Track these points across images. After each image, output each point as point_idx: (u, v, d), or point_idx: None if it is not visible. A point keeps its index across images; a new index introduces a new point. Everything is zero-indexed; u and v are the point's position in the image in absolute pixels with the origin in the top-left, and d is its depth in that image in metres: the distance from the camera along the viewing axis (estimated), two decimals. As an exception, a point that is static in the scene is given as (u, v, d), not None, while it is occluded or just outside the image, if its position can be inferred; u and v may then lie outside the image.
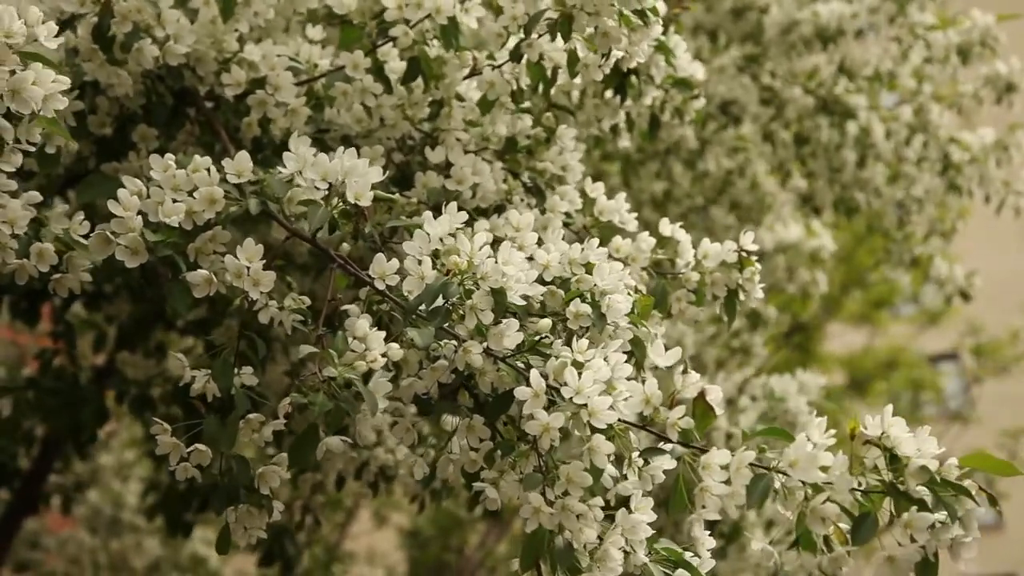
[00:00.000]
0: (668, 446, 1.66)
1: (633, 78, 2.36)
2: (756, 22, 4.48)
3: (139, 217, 1.78)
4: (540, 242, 1.94)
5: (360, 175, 1.84)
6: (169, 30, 2.15)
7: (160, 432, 1.79)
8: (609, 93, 2.43)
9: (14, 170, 1.72)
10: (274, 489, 1.81)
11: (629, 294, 1.84)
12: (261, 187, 1.86)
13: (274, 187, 1.86)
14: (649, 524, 1.66)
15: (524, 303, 1.75)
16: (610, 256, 1.93)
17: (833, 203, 4.72)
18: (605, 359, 1.64)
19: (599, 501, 1.65)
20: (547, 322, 1.77)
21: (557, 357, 1.68)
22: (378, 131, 2.33)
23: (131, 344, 3.49)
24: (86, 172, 2.46)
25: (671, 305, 2.19)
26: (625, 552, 1.65)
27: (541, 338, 1.76)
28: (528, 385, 1.63)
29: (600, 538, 1.64)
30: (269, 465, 1.81)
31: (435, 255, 1.77)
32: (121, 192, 1.79)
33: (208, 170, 1.82)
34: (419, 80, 2.21)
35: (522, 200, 2.29)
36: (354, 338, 1.74)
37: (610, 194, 2.28)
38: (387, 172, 2.01)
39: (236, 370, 1.86)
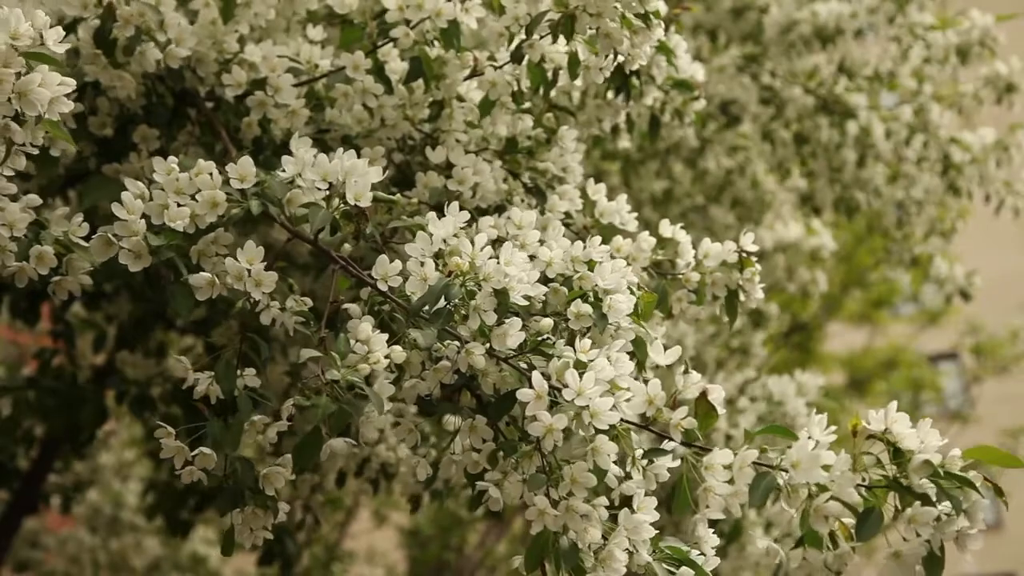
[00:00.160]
0: (670, 446, 1.66)
1: (634, 79, 2.36)
2: (756, 22, 4.48)
3: (142, 220, 1.78)
4: (542, 241, 1.94)
5: (360, 175, 1.84)
6: (171, 34, 2.15)
7: (164, 436, 1.79)
8: (611, 94, 2.43)
9: (14, 172, 1.72)
10: (278, 489, 1.81)
11: (632, 292, 1.85)
12: (262, 189, 1.87)
13: (275, 189, 1.86)
14: (652, 524, 1.67)
15: (527, 303, 1.75)
16: (611, 256, 1.93)
17: (833, 203, 4.72)
18: (608, 358, 1.64)
19: (603, 501, 1.66)
20: (549, 322, 1.77)
21: (559, 357, 1.68)
22: (379, 131, 2.33)
23: (131, 344, 3.49)
24: (86, 172, 2.47)
25: (672, 305, 2.19)
26: (629, 552, 1.65)
27: (544, 339, 1.76)
28: (530, 386, 1.63)
29: (605, 538, 1.65)
30: (271, 465, 1.82)
31: (437, 256, 1.78)
32: (125, 195, 1.79)
33: (211, 174, 1.82)
34: (420, 80, 2.21)
35: (522, 201, 2.29)
36: (357, 340, 1.74)
37: (610, 193, 2.28)
38: (387, 172, 2.01)
39: (239, 371, 1.87)
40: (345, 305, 1.89)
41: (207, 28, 2.24)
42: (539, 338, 1.76)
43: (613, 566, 1.63)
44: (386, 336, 1.75)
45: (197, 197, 1.81)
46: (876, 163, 4.49)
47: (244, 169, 1.87)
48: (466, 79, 2.29)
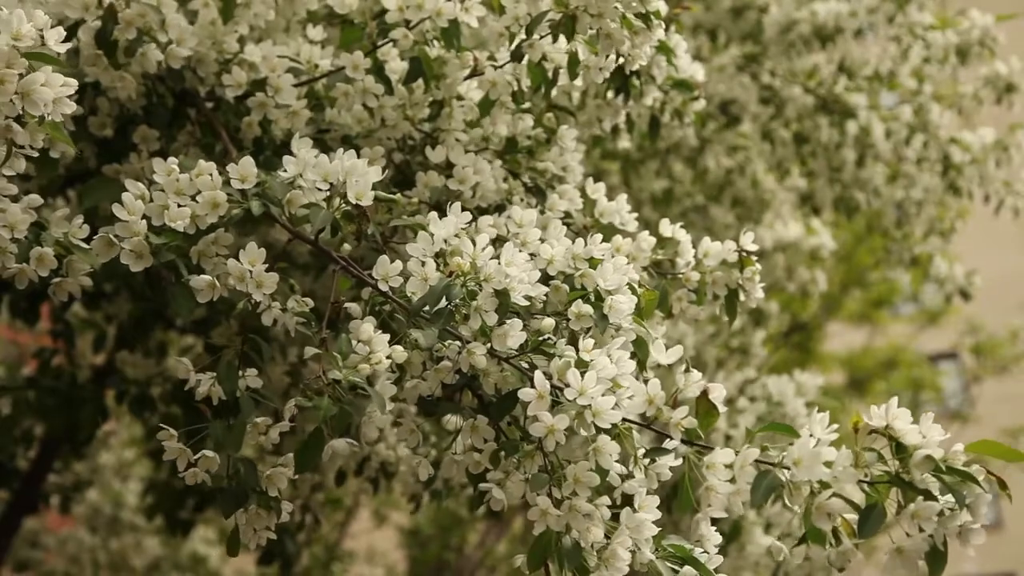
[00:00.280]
0: (672, 445, 1.66)
1: (635, 79, 2.36)
2: (755, 21, 4.48)
3: (143, 221, 1.78)
4: (543, 239, 1.94)
5: (360, 175, 1.84)
6: (172, 34, 2.15)
7: (167, 438, 1.79)
8: (611, 94, 2.43)
9: (15, 173, 1.72)
10: (281, 490, 1.81)
11: (633, 290, 1.85)
12: (263, 189, 1.87)
13: (276, 189, 1.86)
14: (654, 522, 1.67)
15: (527, 303, 1.76)
16: (612, 255, 1.93)
17: (833, 202, 4.72)
18: (609, 357, 1.64)
19: (606, 500, 1.66)
20: (550, 322, 1.77)
21: (561, 356, 1.68)
22: (379, 131, 2.33)
23: (131, 343, 3.49)
24: (86, 172, 2.47)
25: (672, 305, 2.19)
26: (632, 550, 1.65)
27: (545, 338, 1.76)
28: (532, 386, 1.63)
29: (607, 537, 1.65)
30: (273, 466, 1.82)
31: (438, 256, 1.78)
32: (125, 196, 1.79)
33: (211, 174, 1.82)
34: (420, 80, 2.22)
35: (522, 200, 2.29)
36: (358, 341, 1.75)
37: (610, 193, 2.28)
38: (387, 172, 2.01)
39: (241, 372, 1.87)
40: (346, 305, 1.89)
41: (207, 28, 2.24)
42: (540, 338, 1.76)
43: (616, 565, 1.64)
44: (388, 337, 1.76)
45: (198, 198, 1.81)
46: (876, 163, 4.49)
47: (245, 169, 1.87)
48: (466, 79, 2.29)
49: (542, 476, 1.66)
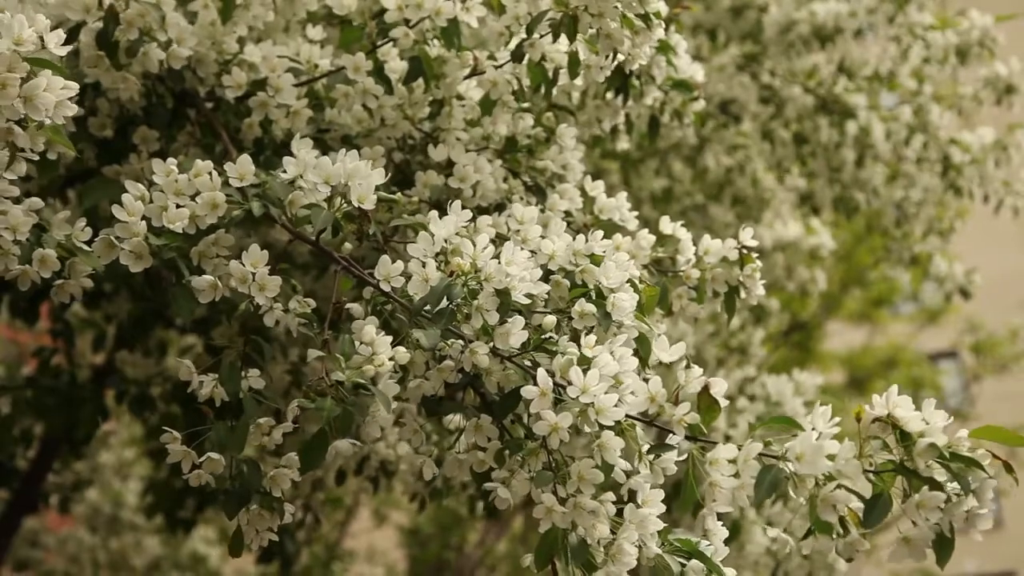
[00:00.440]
0: (675, 440, 1.66)
1: (634, 79, 2.36)
2: (755, 21, 4.48)
3: (143, 222, 1.79)
4: (543, 236, 1.94)
5: (363, 178, 1.84)
6: (172, 34, 2.15)
7: (170, 440, 1.79)
8: (610, 94, 2.44)
9: (18, 176, 1.73)
10: (284, 490, 1.81)
11: (634, 286, 1.85)
12: (263, 190, 1.87)
13: (276, 190, 1.86)
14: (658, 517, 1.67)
15: (529, 301, 1.76)
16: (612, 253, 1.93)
17: (832, 202, 4.72)
18: (612, 353, 1.64)
19: (611, 496, 1.66)
20: (552, 319, 1.77)
21: (563, 354, 1.68)
22: (379, 131, 2.33)
23: (130, 343, 3.49)
24: (86, 172, 2.47)
25: (672, 302, 2.19)
26: (638, 546, 1.66)
27: (547, 336, 1.76)
28: (535, 384, 1.63)
29: (613, 532, 1.65)
30: (276, 466, 1.82)
31: (439, 255, 1.78)
32: (125, 197, 1.79)
33: (210, 174, 1.82)
34: (419, 80, 2.22)
35: (522, 199, 2.29)
36: (361, 342, 1.75)
37: (610, 192, 2.28)
38: (388, 172, 2.01)
39: (243, 373, 1.87)
40: (348, 305, 1.89)
41: (206, 29, 2.24)
42: (542, 336, 1.76)
43: (623, 560, 1.64)
44: (390, 338, 1.76)
45: (197, 199, 1.81)
46: (875, 163, 4.49)
47: (243, 168, 1.87)
48: (466, 78, 2.29)
49: (546, 474, 1.67)
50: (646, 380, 1.66)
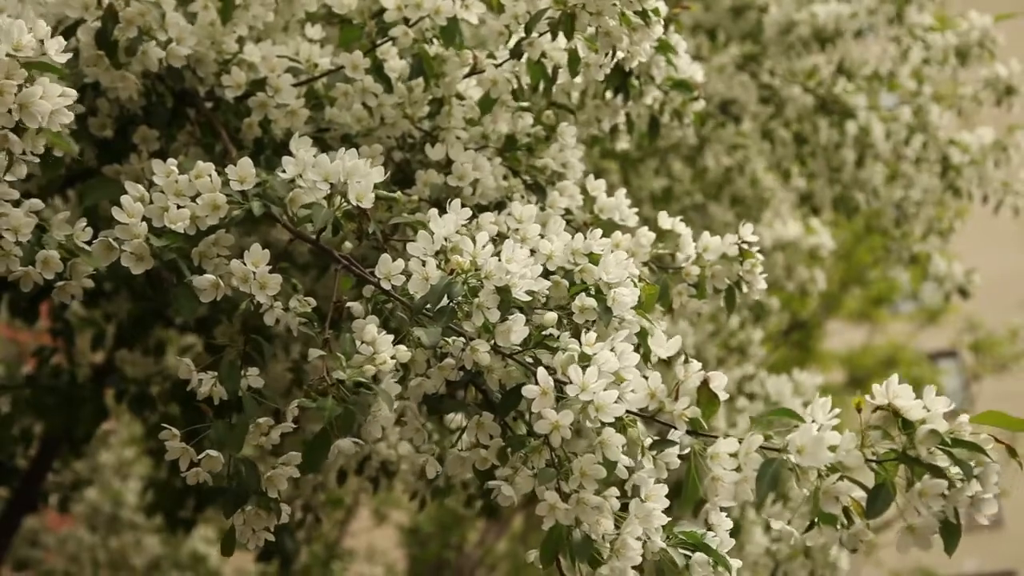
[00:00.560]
0: (677, 436, 1.66)
1: (634, 79, 2.36)
2: (755, 21, 4.48)
3: (143, 223, 1.79)
4: (542, 235, 1.94)
5: (362, 176, 1.84)
6: (172, 33, 2.15)
7: (169, 438, 1.79)
8: (609, 94, 2.44)
9: (18, 179, 1.73)
10: (281, 491, 1.81)
11: (635, 284, 1.85)
12: (263, 189, 1.87)
13: (277, 189, 1.86)
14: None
15: (529, 298, 1.76)
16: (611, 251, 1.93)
17: (832, 202, 4.72)
18: (612, 349, 1.64)
19: (615, 492, 1.67)
20: (552, 315, 1.77)
21: (564, 350, 1.68)
22: (378, 130, 2.33)
23: (130, 342, 3.49)
24: (86, 172, 2.47)
25: (672, 299, 2.19)
26: (643, 540, 1.66)
27: (548, 333, 1.76)
28: (536, 383, 1.63)
29: (618, 527, 1.65)
30: (274, 465, 1.82)
31: (439, 254, 1.78)
32: (125, 198, 1.79)
33: (211, 175, 1.82)
34: (419, 79, 2.22)
35: (522, 197, 2.30)
36: (362, 341, 1.75)
37: (610, 191, 2.28)
38: (387, 171, 2.01)
39: (243, 371, 1.87)
40: (349, 304, 1.89)
41: (206, 29, 2.24)
42: (543, 332, 1.76)
43: (627, 555, 1.64)
44: (391, 337, 1.76)
45: (197, 199, 1.81)
46: (875, 163, 4.49)
47: (244, 170, 1.87)
48: (466, 77, 2.30)
49: (549, 471, 1.67)
50: (645, 377, 1.66)
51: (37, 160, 1.72)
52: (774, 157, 4.71)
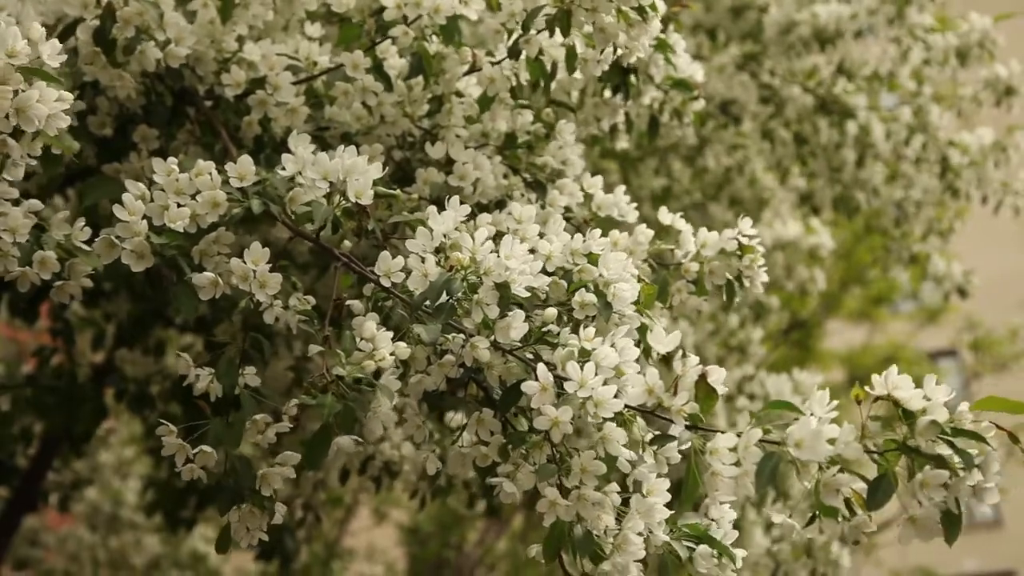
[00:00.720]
0: (676, 431, 1.65)
1: (633, 77, 2.36)
2: (755, 21, 4.48)
3: (144, 221, 1.79)
4: (542, 235, 1.94)
5: (360, 173, 1.84)
6: (170, 33, 2.15)
7: (166, 433, 1.79)
8: (608, 92, 2.44)
9: (16, 179, 1.73)
10: (276, 489, 1.81)
11: (639, 280, 1.84)
12: (263, 187, 1.87)
13: (276, 187, 1.87)
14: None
15: (528, 294, 1.75)
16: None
17: (832, 202, 4.72)
18: (612, 345, 1.64)
19: (615, 487, 1.66)
20: (552, 311, 1.77)
21: (564, 346, 1.68)
22: (378, 128, 2.33)
23: (130, 342, 3.50)
24: (86, 170, 2.47)
25: (672, 296, 2.18)
26: (646, 534, 1.66)
27: (547, 330, 1.76)
28: (535, 379, 1.63)
29: (619, 523, 1.65)
30: (271, 464, 1.82)
31: (438, 251, 1.78)
32: (125, 197, 1.80)
33: (210, 174, 1.82)
34: (419, 77, 2.22)
35: (522, 195, 2.30)
36: (362, 338, 1.75)
37: (609, 190, 2.28)
38: (387, 169, 2.01)
39: (240, 369, 1.87)
40: (349, 302, 1.89)
41: (205, 27, 2.24)
42: (543, 328, 1.76)
43: (629, 550, 1.64)
44: (391, 333, 1.76)
45: (197, 197, 1.81)
46: (875, 163, 4.49)
47: (243, 168, 1.87)
48: (465, 75, 2.30)
49: (549, 467, 1.67)
50: (642, 374, 1.66)
51: (35, 162, 1.72)
52: (774, 157, 4.71)
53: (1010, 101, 4.32)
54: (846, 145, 4.45)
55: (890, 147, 4.43)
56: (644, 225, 2.19)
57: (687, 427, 1.64)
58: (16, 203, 1.75)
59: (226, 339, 2.60)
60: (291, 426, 1.82)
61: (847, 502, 1.55)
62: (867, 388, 1.51)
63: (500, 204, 2.26)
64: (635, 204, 2.27)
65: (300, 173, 1.87)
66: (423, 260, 1.76)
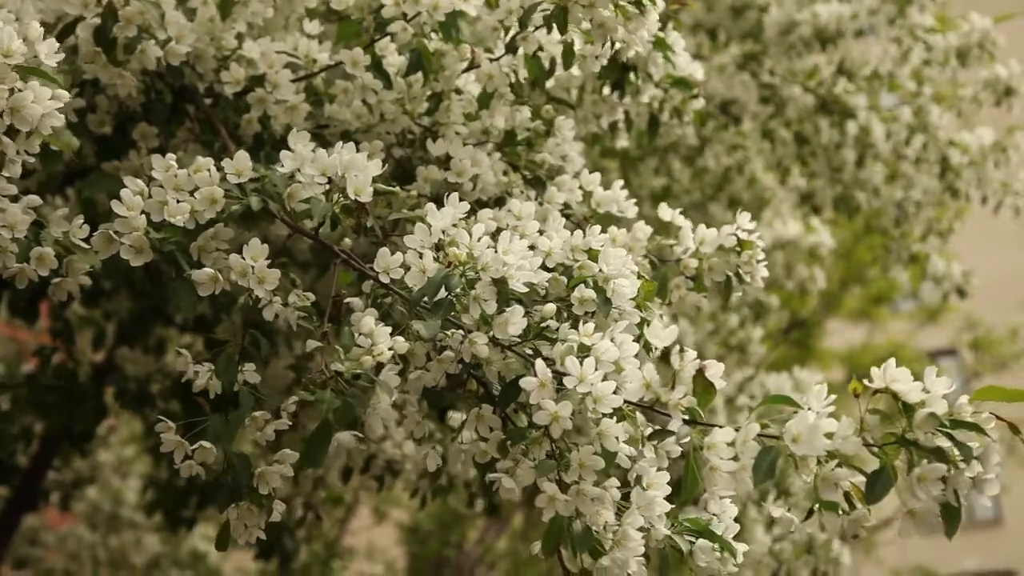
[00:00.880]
0: (675, 425, 1.65)
1: (631, 75, 2.36)
2: (756, 20, 4.48)
3: (142, 217, 1.79)
4: (541, 231, 1.94)
5: (360, 170, 1.84)
6: (171, 31, 2.15)
7: (164, 430, 1.79)
8: (607, 90, 2.44)
9: (15, 176, 1.73)
10: (274, 487, 1.81)
11: (638, 276, 1.84)
12: (262, 184, 1.87)
13: (275, 183, 1.87)
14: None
15: (527, 290, 1.75)
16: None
17: (833, 202, 4.73)
18: (612, 340, 1.64)
19: (615, 483, 1.66)
20: (551, 307, 1.77)
21: (563, 341, 1.68)
22: (378, 126, 2.33)
23: (130, 340, 3.50)
24: (86, 169, 2.47)
25: (671, 292, 2.18)
26: (646, 529, 1.65)
27: (546, 325, 1.76)
28: (534, 375, 1.63)
29: (620, 517, 1.65)
30: (270, 462, 1.82)
31: (437, 247, 1.78)
32: (124, 192, 1.80)
33: (209, 170, 1.82)
34: (418, 74, 2.22)
35: (522, 192, 2.29)
36: (360, 334, 1.75)
37: (608, 188, 2.28)
38: (387, 167, 2.01)
39: (239, 367, 1.87)
40: (348, 300, 1.89)
41: (205, 25, 2.24)
42: (542, 324, 1.75)
43: (628, 545, 1.64)
44: (389, 329, 1.76)
45: (196, 194, 1.81)
46: (875, 163, 4.49)
47: (240, 164, 1.87)
48: (464, 71, 2.30)
49: (549, 462, 1.66)
50: (639, 369, 1.66)
51: (33, 159, 1.73)
52: (774, 157, 4.71)
53: (1010, 101, 4.32)
54: (846, 145, 4.45)
55: (890, 147, 4.43)
56: (643, 222, 2.19)
57: (685, 422, 1.64)
58: (15, 200, 1.76)
59: (227, 338, 2.61)
60: (290, 423, 1.82)
61: (846, 496, 1.54)
62: (865, 381, 1.51)
63: (500, 201, 2.26)
64: (635, 203, 2.27)
65: (299, 170, 1.87)
66: (421, 256, 1.76)
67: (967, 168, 4.38)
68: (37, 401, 3.49)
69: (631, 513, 1.65)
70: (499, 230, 1.82)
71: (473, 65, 2.25)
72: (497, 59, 2.23)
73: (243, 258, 1.81)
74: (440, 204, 1.85)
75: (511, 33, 2.14)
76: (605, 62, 2.11)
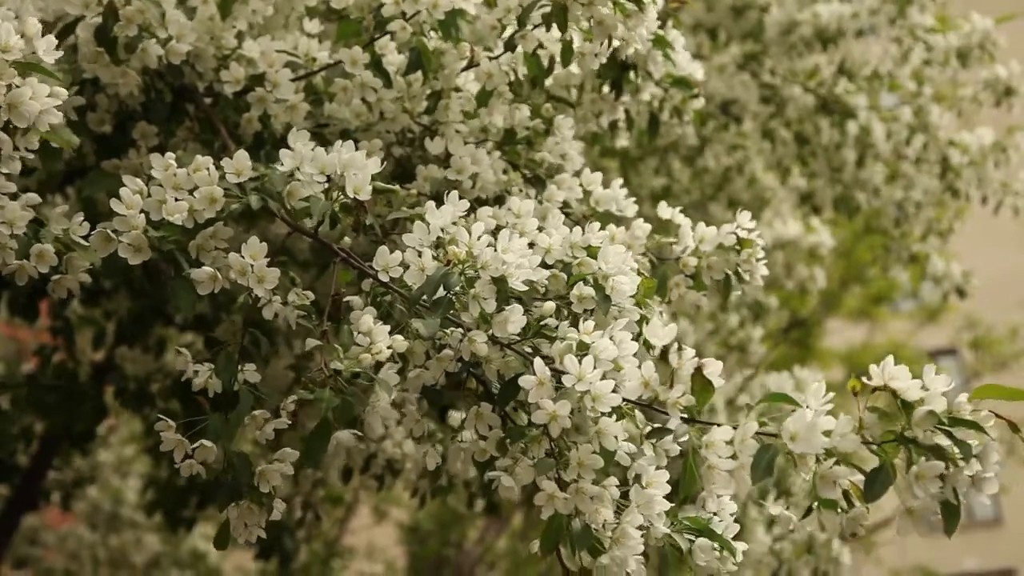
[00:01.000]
0: (673, 424, 1.65)
1: (631, 73, 2.36)
2: (757, 20, 4.48)
3: (141, 215, 1.79)
4: (541, 229, 1.94)
5: (359, 168, 1.84)
6: (171, 30, 2.15)
7: (165, 429, 1.79)
8: (606, 88, 2.44)
9: (14, 174, 1.73)
10: (275, 486, 1.81)
11: (638, 273, 1.84)
12: (262, 183, 1.87)
13: (274, 182, 1.87)
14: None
15: (527, 288, 1.75)
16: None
17: (833, 202, 4.73)
18: (611, 338, 1.64)
19: (614, 481, 1.66)
20: (551, 305, 1.77)
21: (563, 339, 1.68)
22: (377, 124, 2.33)
23: (130, 340, 3.50)
24: (86, 168, 2.47)
25: (670, 290, 2.18)
26: (645, 527, 1.65)
27: (545, 323, 1.76)
28: (533, 373, 1.63)
29: (619, 515, 1.65)
30: (270, 461, 1.82)
31: (436, 245, 1.78)
32: (123, 191, 1.80)
33: (208, 169, 1.82)
34: (418, 72, 2.22)
35: (521, 191, 2.30)
36: (359, 332, 1.75)
37: (607, 187, 2.28)
38: (387, 166, 2.01)
39: (239, 366, 1.87)
40: (347, 298, 1.89)
41: (205, 24, 2.25)
42: (541, 322, 1.75)
43: (627, 544, 1.64)
44: (389, 327, 1.76)
45: (195, 193, 1.82)
46: (875, 163, 4.49)
47: (240, 163, 1.87)
48: (463, 70, 2.30)
49: (548, 460, 1.66)
50: (638, 367, 1.66)
51: (33, 157, 1.73)
52: (774, 157, 4.71)
53: (1010, 101, 4.33)
54: (846, 145, 4.46)
55: (890, 147, 4.43)
56: (642, 220, 2.19)
57: (684, 420, 1.64)
58: (14, 197, 1.76)
59: (227, 337, 2.61)
60: (289, 422, 1.81)
61: (845, 494, 1.54)
62: (864, 380, 1.51)
63: (499, 200, 2.26)
64: (635, 203, 2.27)
65: (298, 168, 1.87)
66: (420, 254, 1.76)
67: (967, 168, 4.38)
68: (37, 401, 3.49)
69: (630, 511, 1.65)
70: (498, 228, 1.82)
71: (472, 63, 2.26)
72: (496, 57, 2.23)
73: (242, 257, 1.81)
74: (440, 202, 1.85)
75: (510, 31, 2.14)
76: (604, 60, 2.11)
